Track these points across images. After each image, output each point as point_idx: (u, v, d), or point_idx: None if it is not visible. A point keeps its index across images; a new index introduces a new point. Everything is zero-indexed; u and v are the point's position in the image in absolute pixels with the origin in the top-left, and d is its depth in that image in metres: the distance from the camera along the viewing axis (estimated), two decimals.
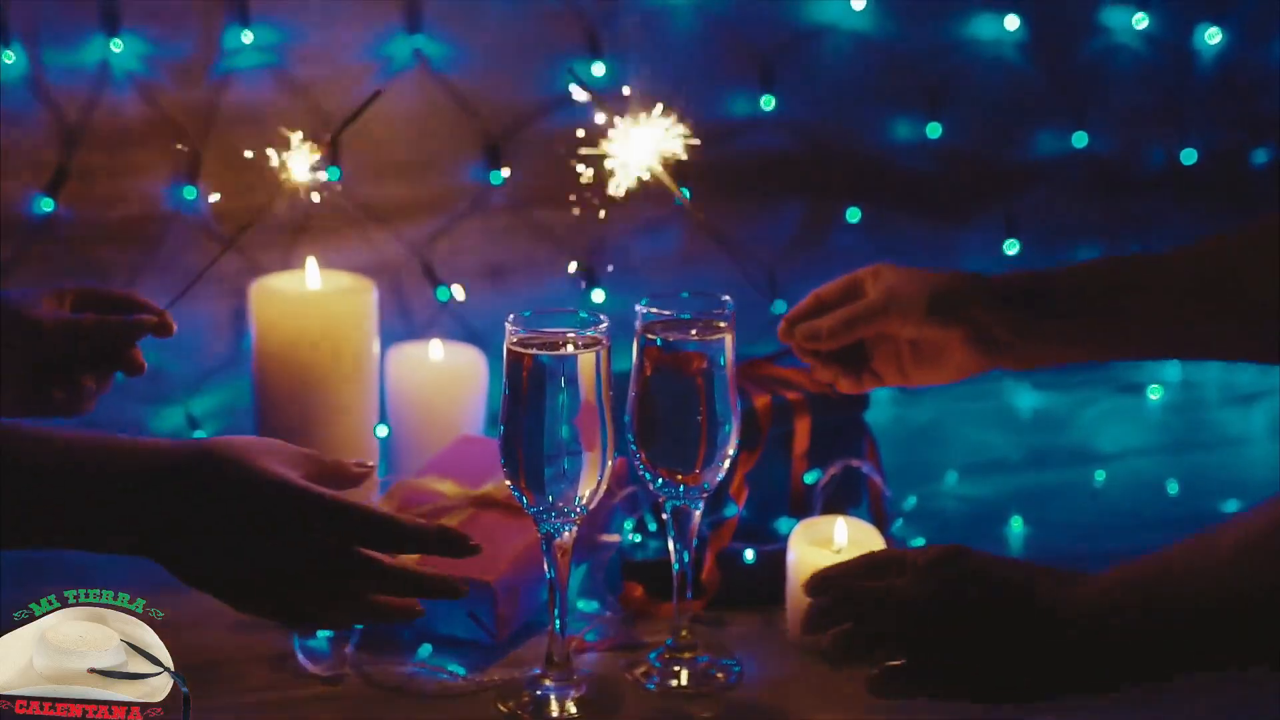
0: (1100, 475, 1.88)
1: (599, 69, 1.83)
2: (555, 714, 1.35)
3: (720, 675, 1.42)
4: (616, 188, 1.59)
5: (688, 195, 1.60)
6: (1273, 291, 1.39)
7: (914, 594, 1.20)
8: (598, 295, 1.87)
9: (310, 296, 1.60)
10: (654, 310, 1.40)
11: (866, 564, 1.27)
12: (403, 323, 1.83)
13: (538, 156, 1.82)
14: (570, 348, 1.29)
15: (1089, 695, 1.18)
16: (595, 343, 1.29)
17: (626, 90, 1.58)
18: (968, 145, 1.97)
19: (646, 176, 1.59)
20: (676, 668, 1.42)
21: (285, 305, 1.58)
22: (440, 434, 1.71)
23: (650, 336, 1.38)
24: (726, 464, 1.40)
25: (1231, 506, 1.80)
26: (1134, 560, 1.19)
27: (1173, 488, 1.86)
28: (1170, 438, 2.00)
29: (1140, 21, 1.99)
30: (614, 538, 1.55)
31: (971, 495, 1.83)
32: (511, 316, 1.30)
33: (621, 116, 1.58)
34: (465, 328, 1.85)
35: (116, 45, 1.72)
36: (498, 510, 1.53)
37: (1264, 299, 1.39)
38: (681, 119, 1.59)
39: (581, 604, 1.53)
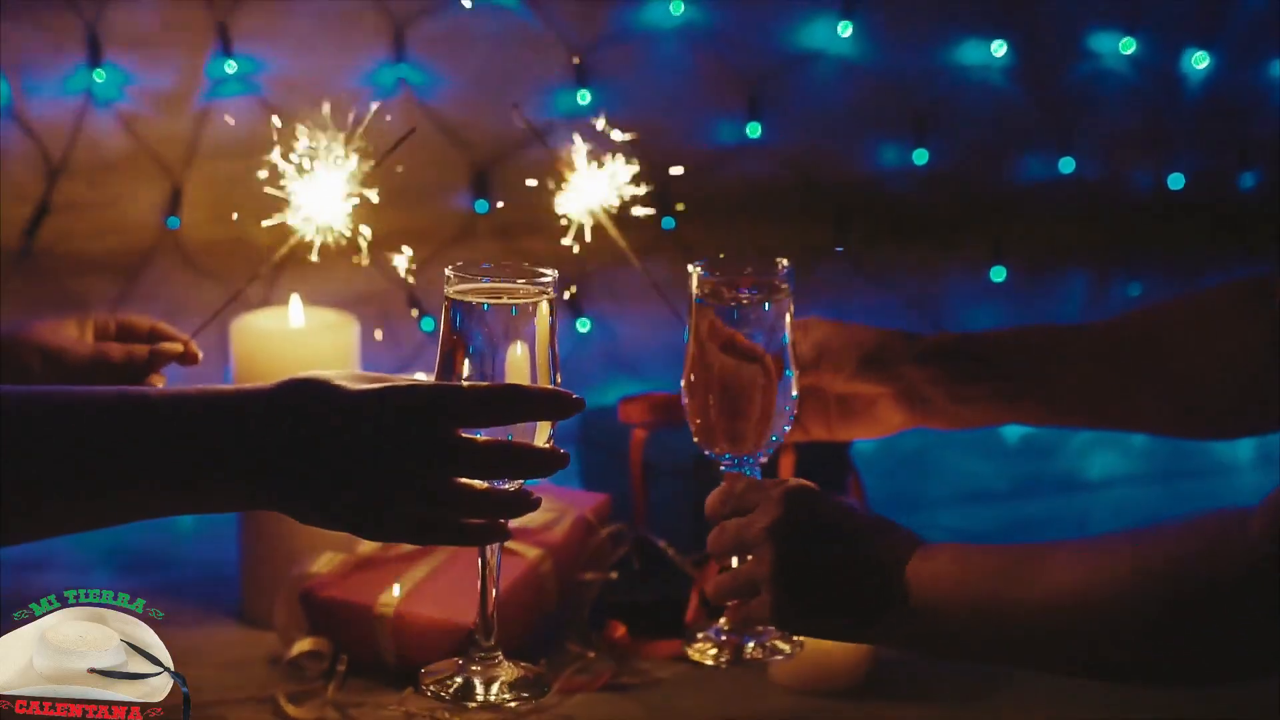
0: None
1: (584, 97, 1.83)
2: (480, 698, 1.24)
3: (786, 646, 1.33)
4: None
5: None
6: (1194, 365, 1.39)
7: (764, 533, 1.22)
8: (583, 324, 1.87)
9: (290, 334, 1.59)
10: (710, 271, 1.32)
11: (730, 495, 1.28)
12: (387, 354, 1.82)
13: (524, 185, 1.81)
14: (508, 298, 1.19)
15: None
16: (534, 295, 1.19)
17: (576, 137, 1.56)
18: (955, 171, 1.97)
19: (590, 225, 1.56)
20: (740, 642, 1.32)
21: (265, 343, 1.56)
22: None
23: (706, 298, 1.31)
24: (787, 428, 1.34)
25: None
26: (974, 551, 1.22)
27: (1160, 516, 1.85)
28: (1157, 466, 1.99)
29: (1127, 47, 1.99)
30: (598, 576, 1.55)
31: (958, 525, 1.83)
32: (451, 266, 1.22)
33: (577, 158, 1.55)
34: None
35: (99, 75, 1.72)
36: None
37: (1185, 373, 1.40)
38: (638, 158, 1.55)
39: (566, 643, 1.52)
